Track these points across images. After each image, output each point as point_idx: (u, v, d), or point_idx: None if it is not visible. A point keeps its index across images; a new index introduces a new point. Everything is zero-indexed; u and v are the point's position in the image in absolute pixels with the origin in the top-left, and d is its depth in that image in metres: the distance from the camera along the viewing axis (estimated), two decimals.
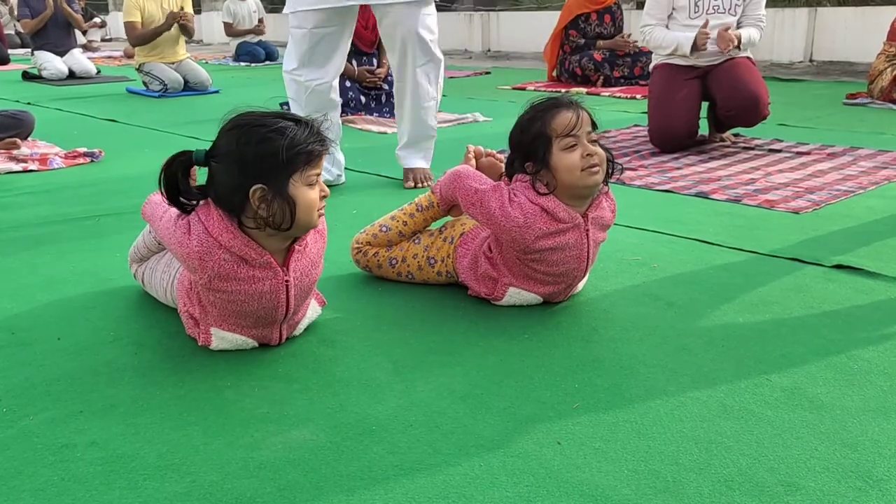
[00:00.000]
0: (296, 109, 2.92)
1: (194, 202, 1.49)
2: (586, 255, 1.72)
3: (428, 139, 3.02)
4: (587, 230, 1.70)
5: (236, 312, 1.52)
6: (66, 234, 2.42)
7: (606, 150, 1.69)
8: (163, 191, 1.47)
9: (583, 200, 1.69)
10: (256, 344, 1.58)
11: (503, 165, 1.93)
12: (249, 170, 1.41)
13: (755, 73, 3.49)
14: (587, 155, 1.62)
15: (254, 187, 1.40)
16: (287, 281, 1.51)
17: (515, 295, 1.76)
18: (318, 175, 1.46)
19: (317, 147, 1.44)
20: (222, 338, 1.56)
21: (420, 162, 3.02)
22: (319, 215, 1.50)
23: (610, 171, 1.70)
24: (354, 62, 4.76)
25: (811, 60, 7.43)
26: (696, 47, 3.40)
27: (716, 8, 3.44)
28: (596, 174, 1.63)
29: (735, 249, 2.14)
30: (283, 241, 1.50)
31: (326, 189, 1.49)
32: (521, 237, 1.66)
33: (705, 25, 3.37)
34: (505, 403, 1.35)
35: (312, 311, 1.68)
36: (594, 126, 1.68)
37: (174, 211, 1.50)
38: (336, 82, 2.93)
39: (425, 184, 2.96)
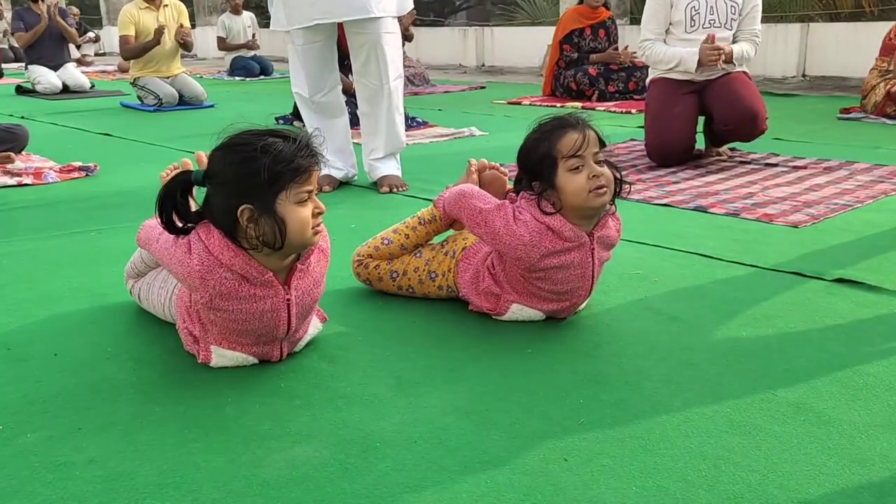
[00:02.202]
0: (309, 125, 3.19)
1: (191, 224, 1.47)
2: (591, 274, 1.71)
3: (399, 149, 3.22)
4: (592, 249, 1.69)
5: (237, 331, 1.50)
6: (62, 249, 2.40)
7: (615, 168, 1.67)
8: (159, 211, 1.46)
9: (589, 220, 1.68)
10: (257, 361, 1.56)
11: (506, 179, 1.93)
12: (235, 190, 1.39)
13: (752, 87, 3.50)
14: (593, 176, 1.60)
15: (241, 208, 1.38)
16: (288, 300, 1.49)
17: (518, 311, 1.74)
18: (310, 191, 1.43)
19: (303, 163, 1.40)
20: (222, 355, 1.54)
21: (394, 170, 3.20)
22: (315, 232, 1.46)
23: (618, 190, 1.68)
24: (350, 76, 4.76)
25: (804, 75, 7.48)
26: (701, 63, 3.40)
27: (712, 22, 3.45)
28: (603, 195, 1.61)
29: (736, 263, 2.13)
30: (282, 259, 1.48)
31: (321, 206, 1.46)
32: (527, 255, 1.64)
33: (708, 40, 3.38)
34: (510, 419, 1.34)
35: (313, 327, 1.66)
36: (603, 145, 1.65)
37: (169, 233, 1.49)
38: (339, 89, 3.17)
39: (400, 189, 3.11)
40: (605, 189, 1.61)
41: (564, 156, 1.61)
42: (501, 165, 1.95)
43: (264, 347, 1.55)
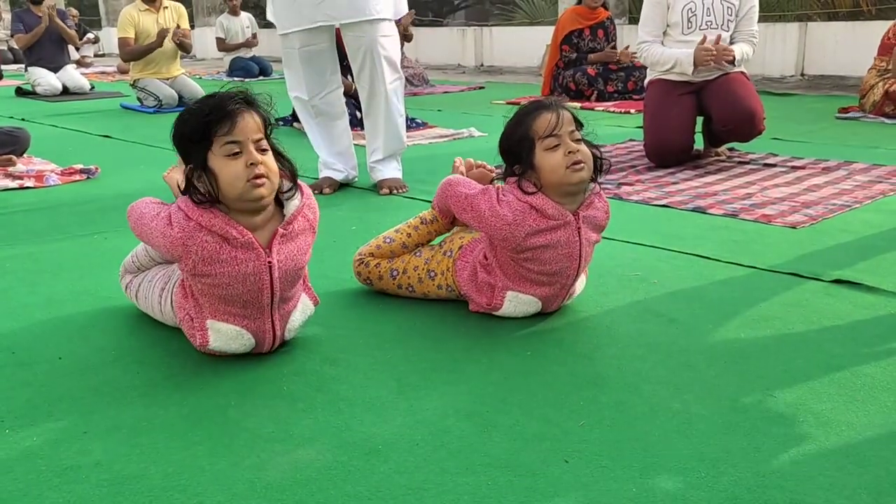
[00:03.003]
0: (308, 128, 3.22)
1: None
2: (578, 253, 1.73)
3: (400, 151, 3.24)
4: (578, 228, 1.71)
5: (223, 297, 1.53)
6: (64, 252, 2.41)
7: (594, 146, 1.71)
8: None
9: (573, 198, 1.71)
10: (252, 339, 1.58)
11: (493, 176, 1.97)
12: (181, 152, 1.49)
13: (750, 88, 3.52)
14: (570, 153, 1.64)
15: (187, 167, 1.48)
16: (270, 262, 1.51)
17: (514, 299, 1.76)
18: (239, 143, 1.44)
19: (218, 114, 1.43)
20: (217, 330, 1.56)
21: (394, 172, 3.22)
22: (256, 185, 1.45)
23: (599, 167, 1.71)
24: (350, 77, 4.77)
25: (802, 74, 7.50)
26: (697, 64, 3.42)
27: (709, 23, 3.46)
28: (580, 171, 1.65)
29: (734, 264, 2.15)
30: (252, 215, 1.50)
31: (255, 157, 1.45)
32: (512, 235, 1.67)
33: (703, 41, 3.39)
34: (511, 421, 1.35)
35: (304, 306, 1.68)
36: (579, 125, 1.70)
37: (155, 210, 1.54)
38: (340, 91, 3.19)
39: (400, 191, 3.13)
40: (582, 164, 1.65)
41: (541, 136, 1.66)
42: (497, 167, 1.98)
43: (255, 321, 1.56)
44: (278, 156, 1.54)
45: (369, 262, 1.94)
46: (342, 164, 3.23)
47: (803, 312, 1.80)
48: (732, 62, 3.44)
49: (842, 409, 1.37)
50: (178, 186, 1.60)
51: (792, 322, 1.75)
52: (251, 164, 1.45)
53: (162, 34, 5.99)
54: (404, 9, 3.13)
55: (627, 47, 6.20)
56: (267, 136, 1.51)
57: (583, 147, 1.67)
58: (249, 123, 1.46)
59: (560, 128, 1.66)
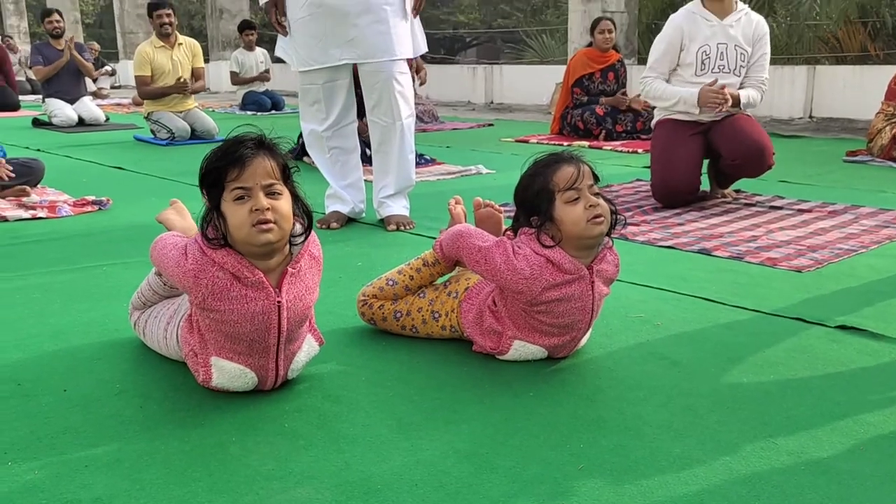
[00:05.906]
0: (321, 162, 3.26)
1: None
2: (591, 306, 1.74)
3: (409, 188, 3.28)
4: (592, 282, 1.72)
5: (230, 335, 1.53)
6: (74, 283, 2.44)
7: (609, 201, 1.72)
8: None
9: (588, 252, 1.72)
10: (255, 378, 1.59)
11: (501, 216, 1.98)
12: (202, 192, 1.52)
13: (757, 125, 3.56)
14: (590, 206, 1.66)
15: (204, 208, 1.51)
16: (279, 302, 1.52)
17: (520, 348, 1.76)
18: (246, 189, 1.46)
19: (226, 160, 1.47)
20: (221, 368, 1.57)
21: (402, 209, 3.25)
22: (262, 231, 1.46)
23: (613, 222, 1.73)
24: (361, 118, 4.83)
25: (811, 117, 7.53)
26: (700, 104, 3.46)
27: (721, 67, 3.50)
28: (601, 224, 1.67)
29: (738, 308, 2.15)
30: (265, 258, 1.52)
31: (261, 203, 1.46)
32: (529, 289, 1.67)
33: (713, 84, 3.43)
34: (510, 463, 1.35)
35: (310, 346, 1.68)
36: (596, 179, 1.72)
37: (176, 241, 1.58)
38: (355, 126, 3.25)
39: (407, 227, 3.15)
40: (602, 218, 1.67)
41: (561, 189, 1.67)
42: (503, 205, 2.00)
43: (259, 359, 1.57)
44: (297, 200, 1.55)
45: (373, 304, 1.95)
46: (351, 196, 3.26)
47: (807, 358, 1.80)
48: (738, 105, 3.47)
49: (844, 457, 1.36)
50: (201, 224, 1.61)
51: (795, 368, 1.75)
52: (256, 209, 1.46)
53: (181, 86, 6.26)
54: (424, 47, 3.19)
55: (638, 95, 6.25)
56: (286, 180, 1.53)
57: (601, 201, 1.69)
58: (259, 168, 1.47)
59: (580, 181, 1.67)
